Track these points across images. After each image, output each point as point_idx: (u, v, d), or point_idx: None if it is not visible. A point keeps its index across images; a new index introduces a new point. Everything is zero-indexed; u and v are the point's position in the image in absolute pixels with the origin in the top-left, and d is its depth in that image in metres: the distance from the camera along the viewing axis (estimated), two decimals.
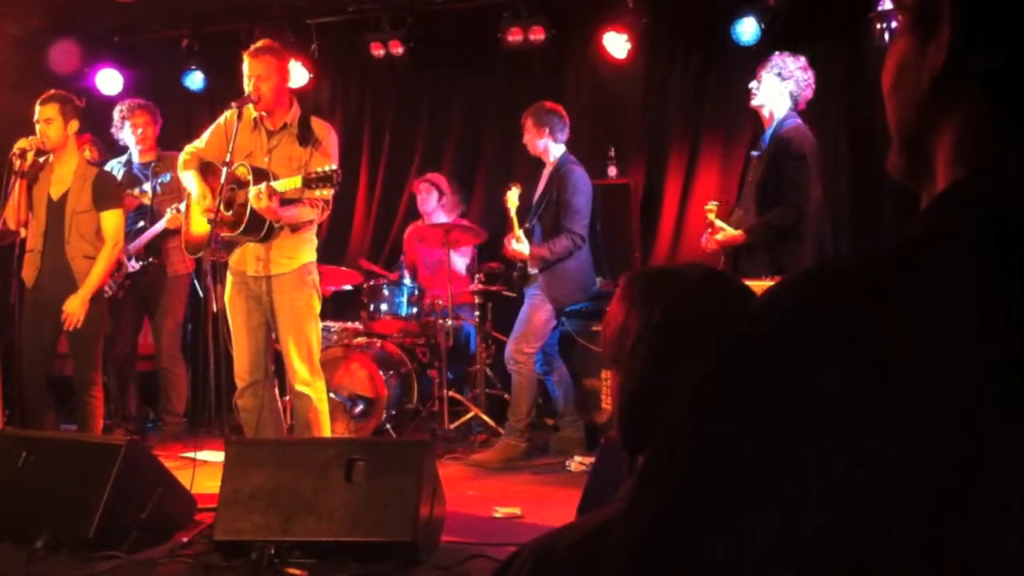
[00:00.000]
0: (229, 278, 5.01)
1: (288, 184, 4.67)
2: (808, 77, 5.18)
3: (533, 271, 6.02)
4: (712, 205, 5.39)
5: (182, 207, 6.10)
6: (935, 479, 0.58)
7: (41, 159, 5.40)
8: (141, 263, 6.08)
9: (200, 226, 5.02)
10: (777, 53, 5.27)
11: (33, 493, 4.17)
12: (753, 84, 5.27)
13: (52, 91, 5.42)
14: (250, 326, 4.96)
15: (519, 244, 5.96)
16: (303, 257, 4.95)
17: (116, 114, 6.53)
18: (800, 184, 5.01)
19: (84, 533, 3.92)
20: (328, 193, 4.72)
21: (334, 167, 4.61)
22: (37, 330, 5.37)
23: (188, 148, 5.09)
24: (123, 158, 6.51)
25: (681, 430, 0.68)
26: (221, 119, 5.03)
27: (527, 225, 6.04)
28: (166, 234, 6.33)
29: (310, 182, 4.61)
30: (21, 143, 5.21)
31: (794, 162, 5.03)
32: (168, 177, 6.48)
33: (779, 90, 5.18)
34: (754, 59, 6.77)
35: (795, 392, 0.63)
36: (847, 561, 0.59)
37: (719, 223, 5.27)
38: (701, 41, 7.15)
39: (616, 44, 7.06)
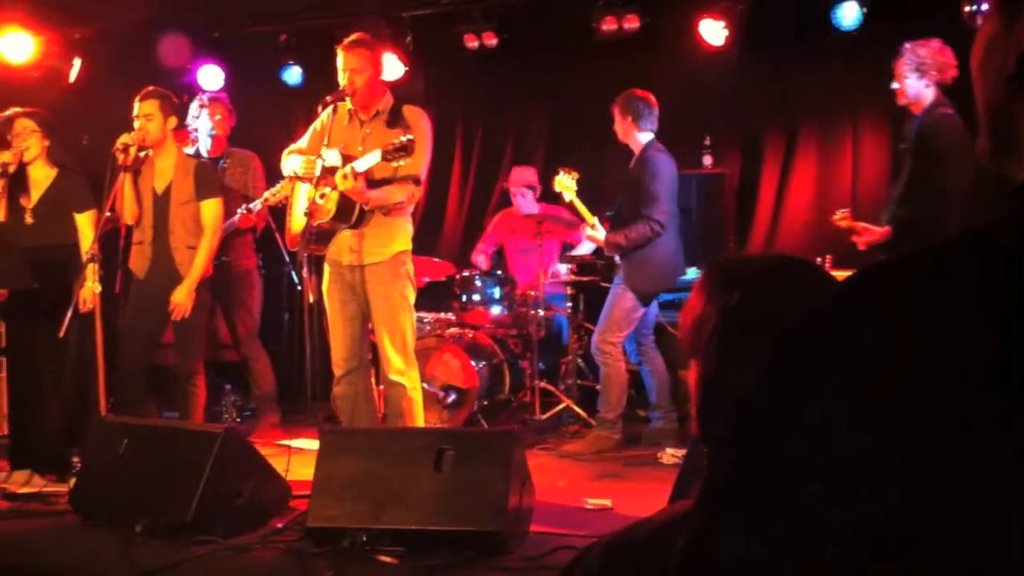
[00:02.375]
0: (326, 268, 5.10)
1: (369, 161, 4.72)
2: (946, 59, 5.05)
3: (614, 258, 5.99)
4: (841, 213, 5.34)
5: (252, 206, 6.23)
6: (929, 474, 0.59)
7: (142, 154, 5.54)
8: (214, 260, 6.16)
9: (299, 223, 5.11)
10: (908, 46, 5.13)
11: (133, 479, 4.29)
12: (894, 85, 5.16)
13: (151, 88, 5.53)
14: (346, 315, 5.04)
15: (593, 231, 5.93)
16: (397, 246, 5.00)
17: (193, 106, 6.60)
18: (935, 180, 4.91)
19: (182, 518, 4.01)
20: (409, 165, 4.77)
21: (410, 136, 4.65)
22: (140, 320, 5.51)
23: (289, 149, 5.20)
24: (192, 151, 6.63)
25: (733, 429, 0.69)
26: (318, 121, 5.12)
27: (610, 212, 5.99)
28: (234, 231, 6.44)
29: (387, 154, 4.66)
30: (123, 138, 5.34)
31: (930, 158, 4.93)
32: (235, 174, 6.59)
33: (920, 84, 5.06)
34: (856, 45, 6.65)
35: (813, 393, 0.64)
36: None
37: (862, 224, 5.21)
38: (800, 27, 7.00)
39: (713, 31, 6.96)
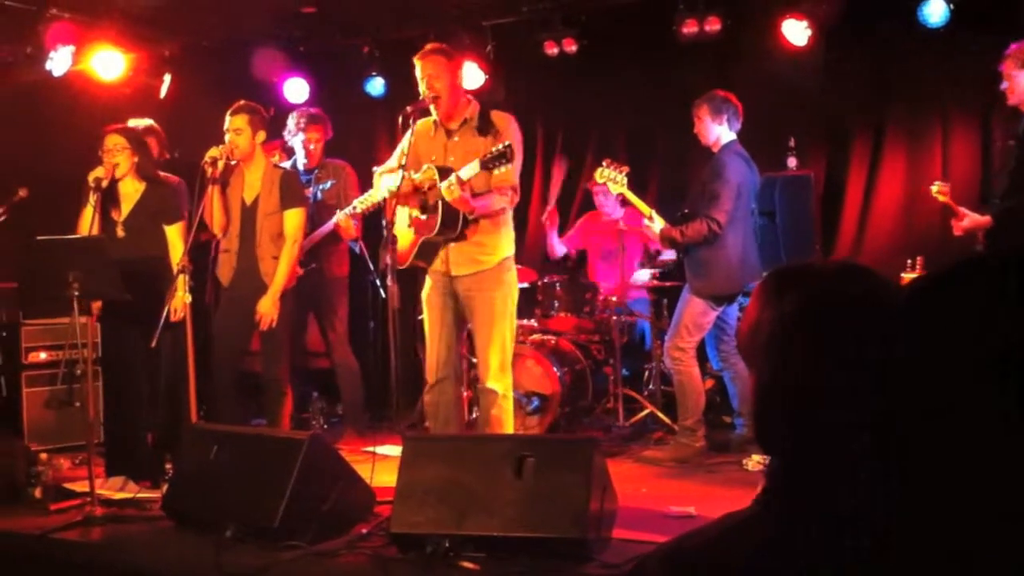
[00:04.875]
0: (428, 279, 5.16)
1: (470, 170, 4.76)
2: None
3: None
4: (939, 185, 5.20)
5: (349, 209, 6.32)
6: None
7: (232, 163, 5.67)
8: (304, 267, 6.24)
9: (406, 238, 5.16)
10: (1015, 47, 5.03)
11: (223, 485, 4.39)
12: (1003, 85, 5.07)
13: (241, 102, 5.65)
14: (444, 324, 5.10)
15: (651, 222, 5.88)
16: (501, 252, 5.04)
17: (291, 122, 6.76)
18: None
19: (269, 523, 4.09)
20: (507, 172, 4.81)
21: (507, 143, 4.68)
22: (228, 328, 5.64)
23: (379, 170, 5.28)
24: (288, 163, 6.75)
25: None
26: (404, 140, 5.15)
27: (686, 211, 5.92)
28: (326, 239, 6.54)
29: (486, 162, 4.71)
30: (212, 152, 5.47)
31: None
32: (329, 184, 6.70)
33: None
34: (943, 42, 6.49)
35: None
36: None
37: (963, 209, 5.10)
38: (885, 25, 6.86)
39: (796, 31, 6.86)
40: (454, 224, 4.93)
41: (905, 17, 6.52)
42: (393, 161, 5.24)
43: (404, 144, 5.13)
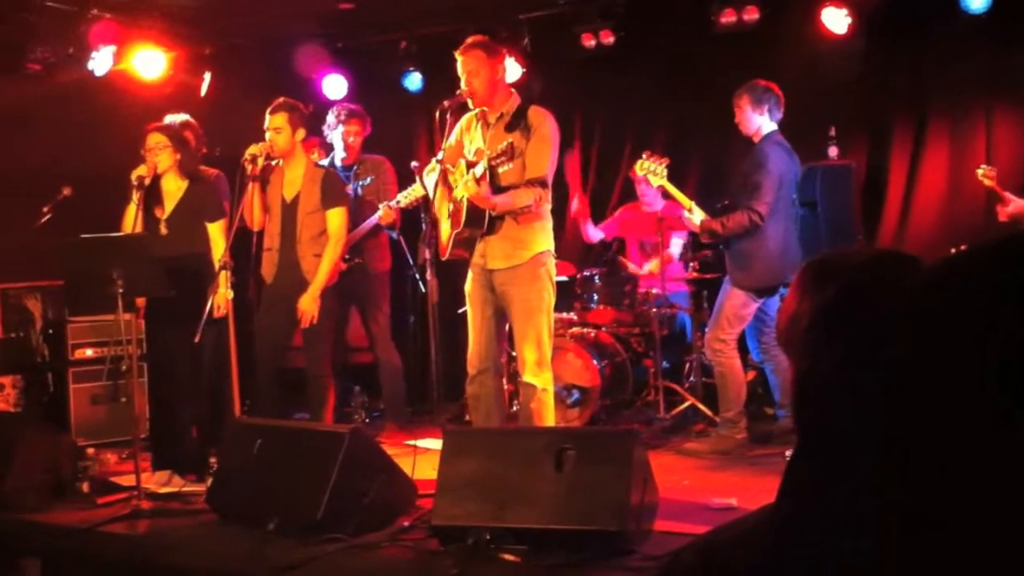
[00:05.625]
0: (470, 272, 5.20)
1: (481, 168, 4.77)
2: None
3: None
4: (985, 169, 5.13)
5: (393, 203, 6.35)
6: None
7: (274, 163, 5.72)
8: (347, 262, 6.27)
9: (445, 232, 5.23)
10: None
11: (266, 478, 4.44)
12: None
13: (281, 100, 5.69)
14: (484, 317, 5.12)
15: (690, 214, 5.84)
16: (537, 247, 5.04)
17: (331, 116, 6.80)
18: None
19: (312, 517, 4.13)
20: (535, 167, 4.83)
21: (509, 141, 4.69)
22: (270, 324, 5.70)
23: (429, 166, 5.30)
24: (326, 160, 6.78)
25: None
26: (453, 135, 5.20)
27: (727, 202, 5.89)
28: (367, 234, 6.58)
29: (492, 160, 4.71)
30: (252, 149, 5.51)
31: None
32: (369, 180, 6.73)
33: None
34: (985, 28, 6.40)
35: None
36: None
37: (1009, 194, 5.04)
38: (926, 11, 6.77)
39: (836, 19, 6.79)
40: (479, 220, 4.95)
41: (946, 3, 6.44)
42: (441, 155, 5.28)
43: (452, 138, 5.17)
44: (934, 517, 0.60)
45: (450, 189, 5.13)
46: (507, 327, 5.19)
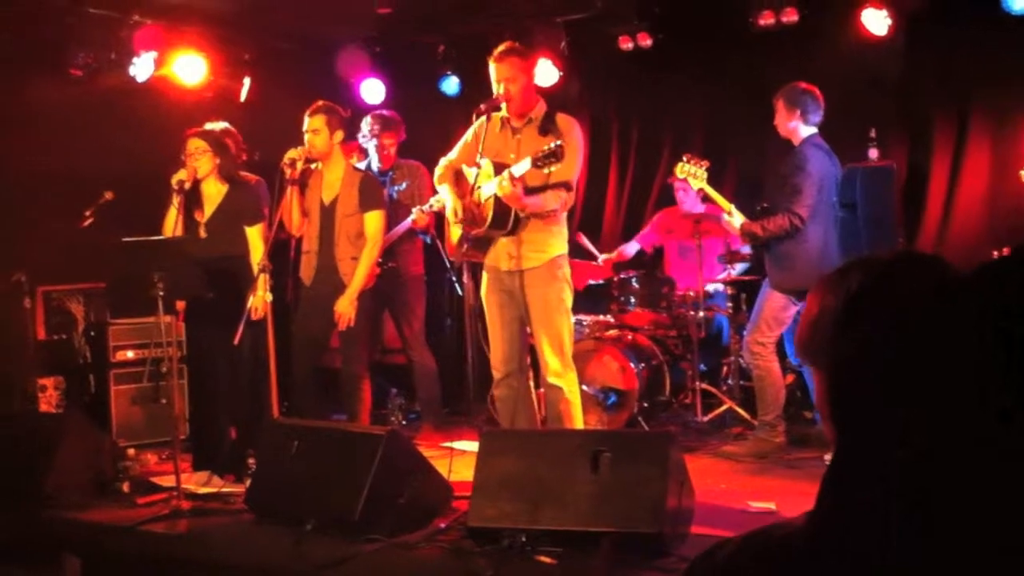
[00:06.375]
0: (485, 275, 5.20)
1: (522, 167, 4.78)
2: None
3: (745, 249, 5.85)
4: None
5: (426, 207, 6.36)
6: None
7: (313, 166, 5.76)
8: (381, 266, 6.27)
9: (457, 233, 5.22)
10: None
11: (303, 479, 4.47)
12: None
13: (319, 102, 5.73)
14: (504, 320, 5.12)
15: (730, 217, 5.80)
16: (553, 250, 5.05)
17: (365, 126, 6.82)
18: None
19: (350, 517, 4.16)
20: (561, 171, 4.81)
21: (559, 142, 4.68)
22: (308, 326, 5.74)
23: (442, 162, 5.32)
24: (362, 164, 6.80)
25: None
26: (470, 131, 5.21)
27: (766, 204, 5.84)
28: (402, 238, 6.60)
29: (537, 160, 4.71)
30: (291, 153, 5.55)
31: None
32: (404, 185, 6.76)
33: None
34: None
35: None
36: None
37: None
38: (967, 12, 6.69)
39: (875, 20, 6.73)
40: (505, 220, 4.95)
41: (988, 4, 6.36)
42: (455, 153, 5.29)
43: (469, 135, 5.19)
44: (943, 518, 0.59)
45: (465, 190, 5.12)
46: (528, 330, 5.18)
